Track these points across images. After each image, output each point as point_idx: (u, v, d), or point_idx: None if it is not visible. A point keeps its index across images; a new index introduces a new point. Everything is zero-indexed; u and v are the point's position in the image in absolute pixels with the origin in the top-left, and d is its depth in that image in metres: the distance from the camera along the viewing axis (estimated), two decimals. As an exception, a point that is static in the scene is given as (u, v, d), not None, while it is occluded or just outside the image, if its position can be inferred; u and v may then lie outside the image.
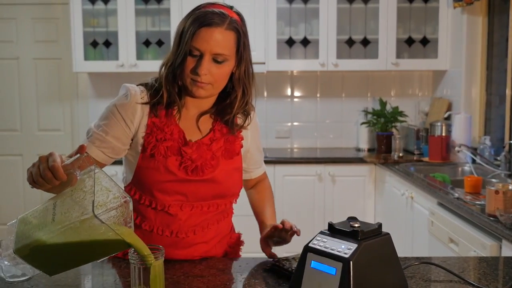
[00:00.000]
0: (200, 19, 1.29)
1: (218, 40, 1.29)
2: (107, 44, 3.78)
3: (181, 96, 1.38)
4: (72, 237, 1.01)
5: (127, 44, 3.70)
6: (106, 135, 1.36)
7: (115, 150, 1.38)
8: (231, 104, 1.41)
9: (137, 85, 1.41)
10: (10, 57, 4.14)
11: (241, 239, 1.61)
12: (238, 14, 1.37)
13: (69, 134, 4.20)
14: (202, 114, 1.42)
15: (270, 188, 1.68)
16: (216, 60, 1.31)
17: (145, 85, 1.41)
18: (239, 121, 1.45)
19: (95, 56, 3.78)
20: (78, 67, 3.75)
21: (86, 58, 3.75)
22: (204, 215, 1.42)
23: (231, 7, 1.37)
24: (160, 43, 3.77)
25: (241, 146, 1.47)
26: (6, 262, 1.19)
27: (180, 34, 1.32)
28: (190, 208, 1.40)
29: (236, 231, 1.62)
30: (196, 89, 1.33)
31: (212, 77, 1.32)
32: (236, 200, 1.52)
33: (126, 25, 3.69)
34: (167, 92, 1.36)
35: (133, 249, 1.06)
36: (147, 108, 1.37)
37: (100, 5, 3.74)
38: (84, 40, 3.72)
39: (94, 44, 3.77)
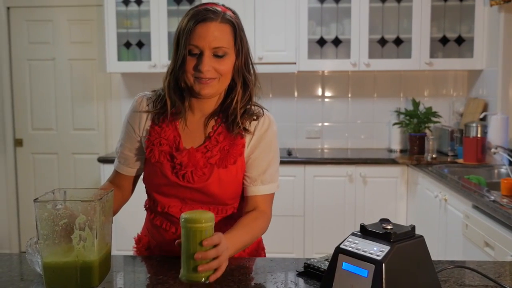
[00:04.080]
0: (194, 17, 1.31)
1: (215, 34, 1.30)
2: (140, 45, 3.84)
3: (184, 102, 1.38)
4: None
5: (159, 44, 3.75)
6: (124, 149, 1.46)
7: (138, 162, 1.47)
8: (233, 100, 1.38)
9: (151, 91, 1.45)
10: (46, 58, 4.26)
11: (262, 244, 1.57)
12: (232, 11, 1.38)
13: (103, 133, 4.28)
14: (207, 118, 1.41)
15: (262, 229, 1.41)
16: (216, 55, 1.31)
17: (156, 92, 1.44)
18: (246, 125, 1.39)
19: (128, 56, 3.84)
20: (112, 68, 3.82)
21: (120, 58, 3.82)
22: None
23: (223, 5, 1.38)
24: (191, 43, 3.80)
25: (241, 154, 1.40)
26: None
27: (178, 37, 1.34)
28: (190, 210, 1.39)
29: None
30: (202, 87, 1.32)
31: (217, 72, 1.32)
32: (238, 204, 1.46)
33: (159, 26, 3.73)
34: (170, 101, 1.37)
35: (184, 214, 1.10)
36: (151, 114, 1.41)
37: (133, 7, 3.80)
38: (118, 41, 3.79)
39: (127, 45, 3.84)
